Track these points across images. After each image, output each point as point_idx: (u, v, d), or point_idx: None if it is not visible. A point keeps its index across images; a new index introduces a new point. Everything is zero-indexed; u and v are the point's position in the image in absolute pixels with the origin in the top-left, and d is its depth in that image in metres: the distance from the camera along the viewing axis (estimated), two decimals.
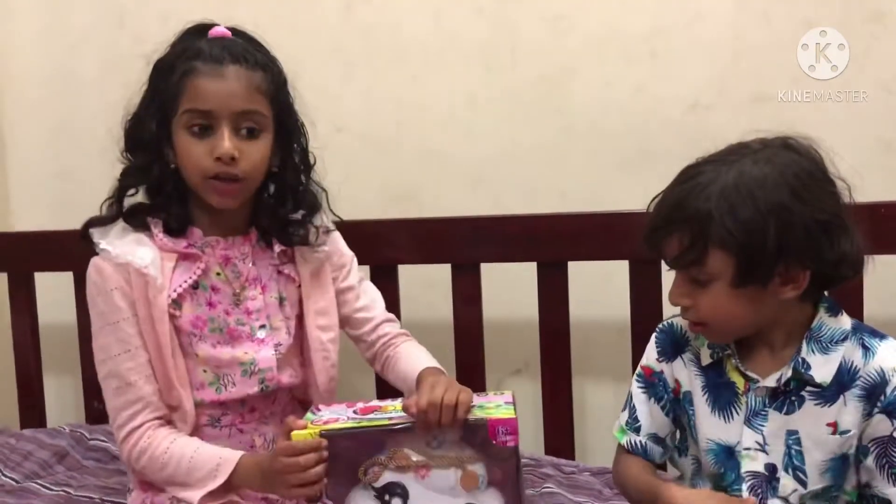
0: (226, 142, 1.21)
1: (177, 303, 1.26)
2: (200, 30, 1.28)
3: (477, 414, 1.14)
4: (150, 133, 1.26)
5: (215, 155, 1.21)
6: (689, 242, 1.05)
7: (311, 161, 1.36)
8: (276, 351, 1.32)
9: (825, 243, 1.03)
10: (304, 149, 1.35)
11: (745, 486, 1.11)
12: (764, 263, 1.02)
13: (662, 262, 1.15)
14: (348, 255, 1.44)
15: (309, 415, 1.21)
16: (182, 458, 1.23)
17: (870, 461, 1.09)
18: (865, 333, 1.11)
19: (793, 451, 1.09)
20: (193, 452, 1.24)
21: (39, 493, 1.55)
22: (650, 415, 1.22)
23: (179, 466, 1.23)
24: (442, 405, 1.11)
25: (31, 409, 1.94)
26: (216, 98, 1.22)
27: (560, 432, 1.68)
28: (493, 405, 1.17)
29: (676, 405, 1.20)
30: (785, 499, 1.10)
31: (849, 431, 1.08)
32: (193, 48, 1.24)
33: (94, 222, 1.29)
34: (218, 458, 1.23)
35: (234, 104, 1.22)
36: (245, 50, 1.26)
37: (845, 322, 1.11)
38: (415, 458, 1.13)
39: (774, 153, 1.06)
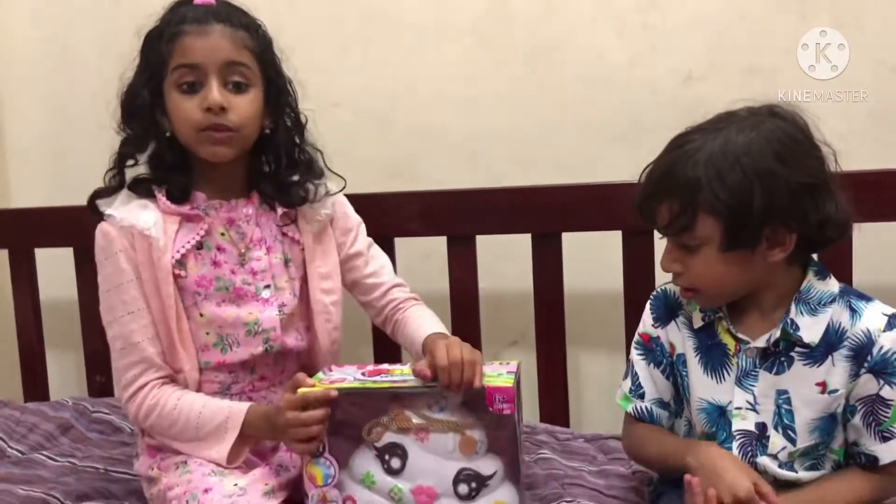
0: (213, 92, 1.24)
1: (181, 263, 1.29)
2: (186, 2, 1.31)
3: None
4: (143, 100, 1.29)
5: (205, 106, 1.24)
6: (678, 209, 1.08)
7: (304, 121, 1.38)
8: (279, 311, 1.34)
9: (810, 206, 1.06)
10: (294, 109, 1.37)
11: (735, 445, 1.14)
12: (751, 227, 1.05)
13: (655, 232, 1.17)
14: (355, 219, 1.46)
15: (319, 374, 1.24)
16: (191, 412, 1.26)
17: (857, 420, 1.12)
18: (852, 296, 1.14)
19: (782, 410, 1.12)
20: (202, 407, 1.27)
21: (45, 464, 1.57)
22: (652, 380, 1.24)
23: (189, 421, 1.26)
24: (463, 363, 1.14)
25: (34, 385, 1.96)
26: (202, 51, 1.25)
27: (555, 401, 1.70)
28: (495, 374, 1.18)
29: (672, 368, 1.23)
30: (774, 456, 1.13)
31: (837, 391, 1.11)
32: (179, 15, 1.28)
33: (99, 193, 1.32)
34: (227, 411, 1.26)
35: (219, 55, 1.25)
36: (229, 13, 1.29)
37: (833, 285, 1.14)
38: (415, 420, 1.16)
39: (760, 120, 1.08)
